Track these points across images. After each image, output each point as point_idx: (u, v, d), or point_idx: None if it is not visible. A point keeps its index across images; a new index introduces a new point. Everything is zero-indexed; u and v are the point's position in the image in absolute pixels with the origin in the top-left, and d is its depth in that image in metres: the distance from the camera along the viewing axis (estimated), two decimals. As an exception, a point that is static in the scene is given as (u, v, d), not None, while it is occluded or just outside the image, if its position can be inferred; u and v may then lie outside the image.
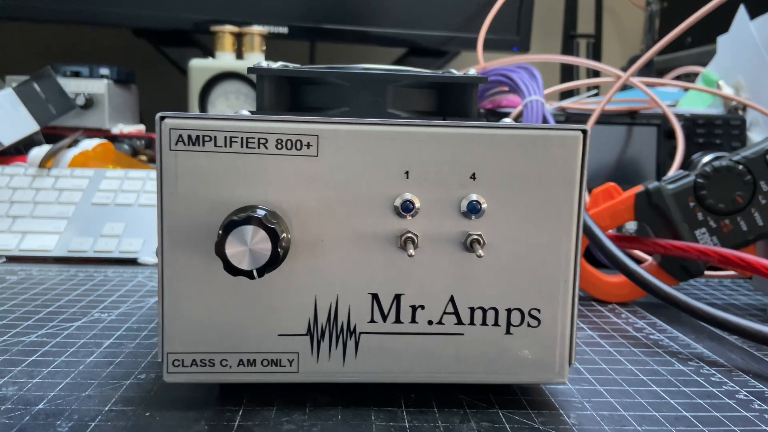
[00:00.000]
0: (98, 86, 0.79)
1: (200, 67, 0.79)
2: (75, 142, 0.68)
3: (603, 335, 0.38)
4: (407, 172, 0.26)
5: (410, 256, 0.25)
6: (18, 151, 0.70)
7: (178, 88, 0.92)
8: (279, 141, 0.25)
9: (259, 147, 0.25)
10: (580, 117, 0.60)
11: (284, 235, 0.25)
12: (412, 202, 0.26)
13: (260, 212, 0.24)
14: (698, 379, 0.32)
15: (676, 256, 0.42)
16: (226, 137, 0.25)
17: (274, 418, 0.26)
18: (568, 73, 1.11)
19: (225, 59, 0.81)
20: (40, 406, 0.26)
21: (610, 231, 0.47)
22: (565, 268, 0.27)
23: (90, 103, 0.78)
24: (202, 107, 0.80)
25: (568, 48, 1.13)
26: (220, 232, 0.24)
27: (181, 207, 0.25)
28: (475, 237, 0.26)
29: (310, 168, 0.26)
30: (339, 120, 0.26)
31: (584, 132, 0.26)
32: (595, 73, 1.08)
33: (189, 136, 0.25)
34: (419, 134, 0.26)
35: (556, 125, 0.26)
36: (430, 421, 0.26)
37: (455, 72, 0.36)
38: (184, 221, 0.25)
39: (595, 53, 1.14)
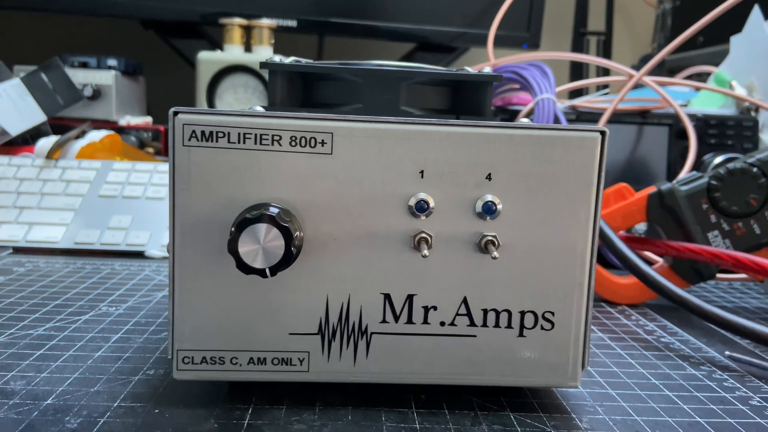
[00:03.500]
0: (106, 77, 0.79)
1: (208, 60, 0.79)
2: (82, 134, 0.68)
3: (613, 337, 0.38)
4: (422, 172, 0.25)
5: (424, 256, 0.25)
6: (25, 141, 0.70)
7: (185, 80, 0.92)
8: (293, 138, 0.25)
9: (273, 144, 0.25)
10: (592, 116, 0.59)
11: (297, 233, 0.24)
12: (426, 202, 0.25)
13: (273, 210, 0.24)
14: (711, 384, 0.31)
15: (689, 258, 0.42)
16: (239, 133, 0.25)
17: (284, 417, 0.26)
18: (577, 71, 1.10)
19: (233, 52, 0.81)
20: (49, 401, 0.26)
21: (621, 232, 0.46)
22: (581, 271, 0.26)
23: (97, 94, 0.78)
24: (210, 100, 0.80)
25: (578, 45, 1.13)
26: (233, 229, 0.23)
27: (193, 203, 0.25)
28: (490, 238, 0.26)
29: (323, 166, 0.25)
30: (354, 118, 0.25)
31: (603, 133, 0.26)
32: (605, 72, 1.07)
33: (202, 132, 0.25)
34: (435, 133, 0.25)
35: (574, 126, 0.26)
36: (441, 423, 0.26)
37: (470, 70, 0.35)
38: (196, 217, 0.25)
39: (606, 51, 1.13)
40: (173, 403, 0.26)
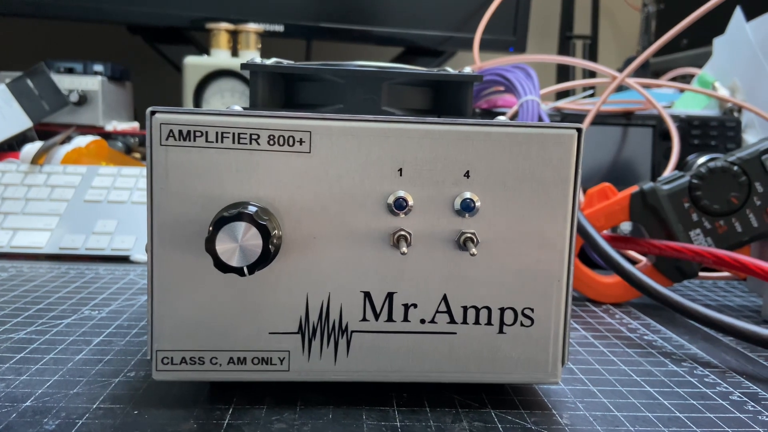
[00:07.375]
0: (92, 83, 0.79)
1: (195, 65, 0.79)
2: (68, 139, 0.67)
3: (597, 335, 0.38)
4: (401, 170, 0.26)
5: (403, 254, 0.25)
6: (11, 147, 0.70)
7: (172, 85, 0.92)
8: (271, 137, 0.25)
9: (251, 143, 0.25)
10: (576, 117, 0.59)
11: (276, 231, 0.24)
12: (405, 200, 0.26)
13: (251, 209, 0.24)
14: (692, 380, 0.32)
15: (671, 256, 0.42)
16: (217, 132, 0.25)
17: (265, 416, 0.26)
18: (564, 73, 1.11)
19: (220, 57, 0.81)
20: (28, 404, 0.26)
21: (605, 231, 0.46)
22: (559, 268, 0.26)
23: (83, 99, 0.78)
24: (197, 105, 0.79)
25: (565, 49, 1.13)
26: (211, 228, 0.23)
27: (171, 203, 0.25)
28: (469, 235, 0.26)
29: (302, 164, 0.25)
30: (332, 116, 0.25)
31: (579, 130, 0.26)
32: (591, 74, 1.08)
33: (180, 131, 0.25)
34: (413, 131, 0.25)
35: (551, 123, 0.26)
36: (422, 420, 0.26)
37: (450, 70, 0.36)
38: (174, 217, 0.25)
39: (591, 54, 1.14)
40: (153, 404, 0.26)
